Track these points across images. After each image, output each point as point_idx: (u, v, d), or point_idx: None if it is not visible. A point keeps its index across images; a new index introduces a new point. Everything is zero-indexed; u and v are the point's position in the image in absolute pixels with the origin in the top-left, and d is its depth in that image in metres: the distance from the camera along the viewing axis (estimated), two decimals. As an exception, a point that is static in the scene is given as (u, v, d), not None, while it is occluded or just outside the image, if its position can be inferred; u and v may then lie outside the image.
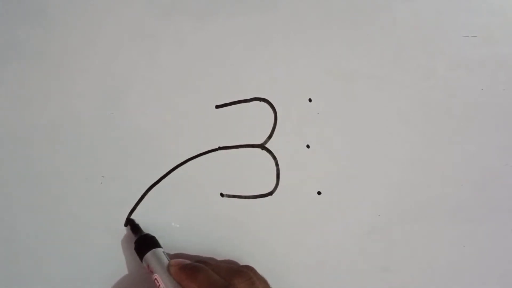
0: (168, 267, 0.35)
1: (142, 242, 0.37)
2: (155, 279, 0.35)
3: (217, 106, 0.39)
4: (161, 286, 0.35)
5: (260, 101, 0.40)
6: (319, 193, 0.40)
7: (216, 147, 0.39)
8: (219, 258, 0.39)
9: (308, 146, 0.40)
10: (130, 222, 0.38)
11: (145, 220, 0.39)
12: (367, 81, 0.40)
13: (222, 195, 0.39)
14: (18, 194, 0.38)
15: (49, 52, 0.38)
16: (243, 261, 0.38)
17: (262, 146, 0.40)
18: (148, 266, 0.36)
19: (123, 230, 0.39)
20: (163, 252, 0.36)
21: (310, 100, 0.40)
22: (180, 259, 0.36)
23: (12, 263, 0.38)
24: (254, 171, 0.39)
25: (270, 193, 0.39)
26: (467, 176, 0.41)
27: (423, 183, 0.41)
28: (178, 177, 0.39)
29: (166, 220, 0.39)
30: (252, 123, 0.39)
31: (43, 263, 0.38)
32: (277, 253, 0.39)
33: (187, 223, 0.39)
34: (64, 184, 0.38)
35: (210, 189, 0.39)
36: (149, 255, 0.36)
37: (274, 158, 0.40)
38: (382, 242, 0.41)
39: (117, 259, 0.38)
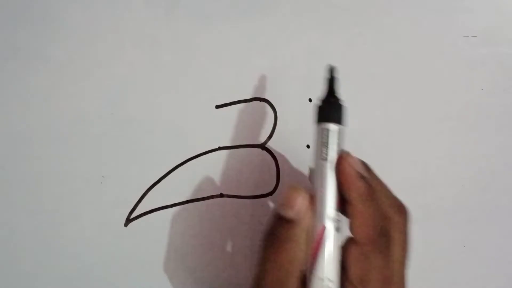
0: (340, 158, 0.28)
1: (332, 108, 0.29)
2: None
3: (217, 106, 0.39)
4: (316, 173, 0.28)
5: (260, 101, 0.40)
6: (319, 193, 0.40)
7: (216, 147, 0.39)
8: (219, 258, 0.39)
9: (308, 146, 0.40)
10: (331, 71, 0.31)
11: (145, 220, 0.39)
12: (367, 81, 0.40)
13: (222, 195, 0.39)
14: (18, 194, 0.38)
15: (49, 52, 0.38)
16: (243, 261, 0.38)
17: (262, 146, 0.40)
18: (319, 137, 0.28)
19: (123, 230, 0.39)
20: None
21: (310, 100, 0.40)
22: (358, 160, 0.29)
23: (12, 263, 0.38)
24: (254, 171, 0.39)
25: (270, 193, 0.39)
26: (467, 176, 0.41)
27: (423, 183, 0.41)
28: (178, 177, 0.39)
29: (166, 220, 0.39)
30: (252, 123, 0.39)
31: (43, 263, 0.38)
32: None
33: (187, 223, 0.39)
34: (64, 184, 0.38)
35: (210, 189, 0.39)
36: (328, 127, 0.28)
37: (274, 158, 0.39)
38: (382, 242, 0.41)
39: (117, 259, 0.39)
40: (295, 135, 0.40)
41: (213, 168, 0.39)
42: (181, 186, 0.39)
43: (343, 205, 0.28)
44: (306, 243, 0.27)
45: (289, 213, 0.27)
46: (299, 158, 0.40)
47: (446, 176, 0.41)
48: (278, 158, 0.39)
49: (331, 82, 0.31)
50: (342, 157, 0.28)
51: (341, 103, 0.30)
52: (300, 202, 0.27)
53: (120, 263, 0.39)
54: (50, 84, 0.38)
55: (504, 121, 0.41)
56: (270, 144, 0.40)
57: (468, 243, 0.41)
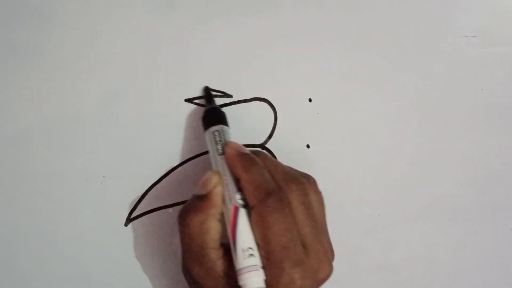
0: (224, 147, 0.33)
1: (213, 114, 0.36)
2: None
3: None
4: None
5: (260, 101, 0.40)
6: (319, 193, 0.40)
7: (216, 147, 0.39)
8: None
9: (308, 146, 0.40)
10: (206, 90, 0.38)
11: (145, 220, 0.39)
12: (367, 81, 0.40)
13: (222, 195, 0.39)
14: (18, 194, 0.38)
15: (49, 52, 0.38)
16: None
17: (262, 146, 0.40)
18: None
19: (123, 230, 0.39)
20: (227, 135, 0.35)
21: (310, 100, 0.40)
22: (241, 145, 0.34)
23: (12, 263, 0.38)
24: (254, 171, 0.39)
25: (270, 193, 0.39)
26: (467, 176, 0.41)
27: (423, 183, 0.41)
28: (178, 177, 0.39)
29: (166, 220, 0.39)
30: (252, 123, 0.39)
31: (43, 263, 0.38)
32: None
33: (187, 223, 0.39)
34: (64, 184, 0.38)
35: (210, 189, 0.39)
36: (215, 128, 0.35)
37: (274, 158, 0.39)
38: (382, 242, 0.41)
39: (117, 259, 0.39)
40: (295, 135, 0.40)
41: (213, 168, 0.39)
42: (181, 186, 0.39)
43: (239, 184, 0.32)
44: (219, 219, 0.31)
45: (203, 191, 0.32)
46: (299, 158, 0.40)
47: (446, 176, 0.41)
48: (278, 158, 0.39)
49: (208, 97, 0.38)
50: (226, 145, 0.33)
51: (220, 110, 0.36)
52: (213, 182, 0.32)
53: (120, 263, 0.39)
54: (50, 84, 0.38)
55: (504, 121, 0.41)
56: (270, 144, 0.40)
57: (468, 243, 0.41)
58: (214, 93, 0.39)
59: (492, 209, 0.41)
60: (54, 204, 0.38)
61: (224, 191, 0.32)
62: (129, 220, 0.39)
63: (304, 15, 0.40)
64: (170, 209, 0.39)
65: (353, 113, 0.40)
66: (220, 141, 0.34)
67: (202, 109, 0.37)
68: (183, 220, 0.31)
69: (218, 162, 0.33)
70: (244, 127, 0.39)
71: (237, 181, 0.31)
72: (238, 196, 0.31)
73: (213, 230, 0.31)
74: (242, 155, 0.32)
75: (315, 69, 0.40)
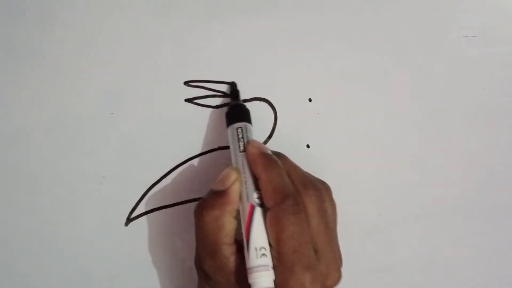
0: (246, 145, 0.33)
1: (238, 110, 0.36)
2: None
3: (217, 106, 0.39)
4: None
5: (260, 101, 0.40)
6: (319, 193, 0.40)
7: (216, 147, 0.39)
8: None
9: (308, 146, 0.40)
10: (232, 86, 0.38)
11: (145, 220, 0.39)
12: (367, 81, 0.40)
13: (222, 195, 0.39)
14: (18, 194, 0.38)
15: (49, 52, 0.38)
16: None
17: (262, 146, 0.40)
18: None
19: (123, 230, 0.39)
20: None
21: (310, 100, 0.40)
22: (263, 145, 0.34)
23: (12, 263, 0.38)
24: (254, 171, 0.39)
25: (270, 193, 0.39)
26: (467, 176, 0.41)
27: (423, 183, 0.41)
28: (178, 177, 0.39)
29: (166, 220, 0.39)
30: (252, 123, 0.39)
31: (43, 263, 0.38)
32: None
33: (187, 223, 0.39)
34: (64, 184, 0.38)
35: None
36: (238, 125, 0.35)
37: (274, 158, 0.39)
38: (382, 242, 0.41)
39: (117, 259, 0.39)
40: (295, 135, 0.40)
41: (213, 168, 0.39)
42: (181, 186, 0.39)
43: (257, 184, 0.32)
44: (235, 216, 0.31)
45: (221, 187, 0.32)
46: (299, 158, 0.40)
47: (446, 176, 0.41)
48: (278, 158, 0.39)
49: (235, 93, 0.38)
50: (248, 143, 0.33)
51: (245, 107, 0.36)
52: (232, 178, 0.32)
53: (120, 263, 0.39)
54: (50, 84, 0.38)
55: (504, 121, 0.41)
56: (270, 144, 0.40)
57: (468, 243, 0.41)
58: (213, 93, 0.39)
59: (492, 209, 0.41)
60: (54, 204, 0.38)
61: (242, 188, 0.32)
62: (129, 220, 0.39)
63: (304, 15, 0.40)
64: (169, 210, 0.39)
65: (353, 113, 0.40)
66: (242, 138, 0.34)
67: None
68: (199, 214, 0.31)
69: (238, 158, 0.33)
70: (244, 127, 0.39)
71: (256, 180, 0.32)
72: (255, 195, 0.31)
73: (229, 226, 0.31)
74: (264, 155, 0.32)
75: (315, 69, 0.40)
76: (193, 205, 0.39)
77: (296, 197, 0.30)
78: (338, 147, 0.40)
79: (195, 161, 0.39)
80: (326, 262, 0.31)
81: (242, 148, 0.33)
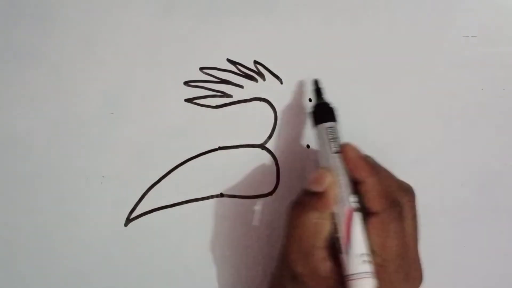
0: (342, 147, 0.31)
1: (327, 109, 0.34)
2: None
3: (217, 106, 0.39)
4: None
5: (260, 101, 0.40)
6: (319, 193, 0.40)
7: (216, 147, 0.39)
8: (219, 258, 0.39)
9: (308, 146, 0.40)
10: (316, 84, 0.36)
11: (145, 220, 0.39)
12: (367, 81, 0.40)
13: (222, 195, 0.39)
14: (18, 194, 0.38)
15: (49, 52, 0.38)
16: (243, 261, 0.38)
17: (262, 146, 0.40)
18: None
19: (123, 230, 0.39)
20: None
21: (310, 100, 0.40)
22: (358, 147, 0.32)
23: (12, 263, 0.38)
24: (254, 171, 0.39)
25: (270, 193, 0.39)
26: (467, 176, 0.41)
27: (423, 183, 0.41)
28: (178, 177, 0.39)
29: (166, 220, 0.39)
30: (252, 123, 0.39)
31: (43, 263, 0.38)
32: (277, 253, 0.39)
33: (187, 223, 0.39)
34: (64, 184, 0.38)
35: (210, 189, 0.39)
36: (328, 125, 0.33)
37: (274, 158, 0.39)
38: (382, 242, 0.41)
39: (117, 259, 0.39)
40: (295, 135, 0.40)
41: (213, 168, 0.39)
42: (181, 186, 0.39)
43: (356, 187, 0.31)
44: (330, 218, 0.30)
45: (318, 188, 0.30)
46: (299, 158, 0.40)
47: (446, 176, 0.41)
48: (278, 158, 0.39)
49: (319, 91, 0.36)
50: (345, 146, 0.32)
51: (332, 106, 0.35)
52: (329, 180, 0.30)
53: (120, 263, 0.39)
54: (50, 84, 0.38)
55: (504, 121, 0.41)
56: (270, 144, 0.40)
57: (468, 243, 0.41)
58: (213, 93, 0.39)
59: (492, 209, 0.41)
60: (54, 204, 0.38)
61: (338, 191, 0.30)
62: (129, 220, 0.39)
63: (304, 15, 0.40)
64: (170, 210, 0.39)
65: (352, 113, 0.40)
66: (333, 138, 0.32)
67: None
68: (298, 214, 0.30)
69: (330, 160, 0.31)
70: (244, 127, 0.39)
71: (354, 184, 0.30)
72: (353, 199, 0.30)
73: (326, 230, 0.30)
74: (367, 159, 0.31)
75: (315, 69, 0.40)
76: (192, 205, 0.39)
77: (403, 204, 0.30)
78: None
79: (195, 161, 0.39)
80: (417, 268, 0.31)
81: (334, 149, 0.32)
